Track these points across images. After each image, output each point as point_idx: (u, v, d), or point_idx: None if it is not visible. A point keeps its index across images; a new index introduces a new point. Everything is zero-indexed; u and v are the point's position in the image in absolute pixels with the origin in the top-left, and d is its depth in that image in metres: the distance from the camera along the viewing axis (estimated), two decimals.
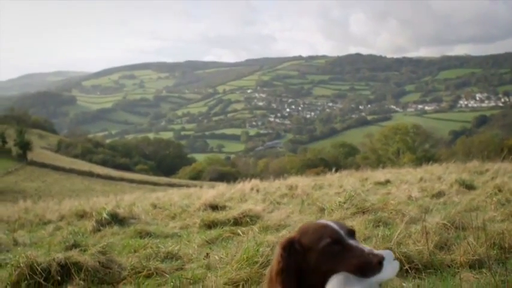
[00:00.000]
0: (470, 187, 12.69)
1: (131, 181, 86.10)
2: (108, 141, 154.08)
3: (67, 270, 5.89)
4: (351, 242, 2.37)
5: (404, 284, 4.71)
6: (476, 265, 5.29)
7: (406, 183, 15.31)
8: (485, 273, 4.89)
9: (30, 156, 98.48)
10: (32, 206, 19.60)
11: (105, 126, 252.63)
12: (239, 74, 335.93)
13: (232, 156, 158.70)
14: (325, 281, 2.32)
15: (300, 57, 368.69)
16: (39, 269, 5.80)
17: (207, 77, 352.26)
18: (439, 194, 11.73)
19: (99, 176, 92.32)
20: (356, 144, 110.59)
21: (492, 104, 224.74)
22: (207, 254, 5.86)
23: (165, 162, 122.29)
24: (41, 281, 5.69)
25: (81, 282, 5.61)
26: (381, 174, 21.28)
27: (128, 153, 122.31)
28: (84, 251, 6.64)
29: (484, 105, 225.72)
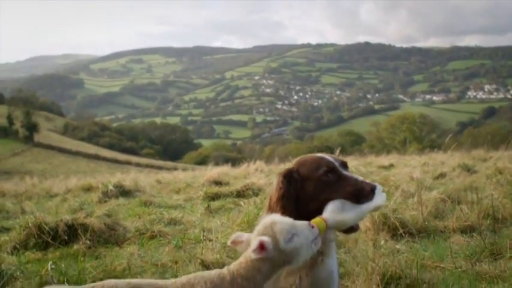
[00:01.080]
0: (472, 171, 12.75)
1: (137, 165, 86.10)
2: (114, 124, 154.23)
3: (74, 230, 6.07)
4: (345, 172, 2.62)
5: (397, 246, 4.88)
6: (468, 231, 5.47)
7: (410, 166, 15.40)
8: (476, 237, 5.06)
9: (36, 138, 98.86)
10: (39, 182, 19.87)
11: (112, 110, 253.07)
12: (247, 61, 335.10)
13: (238, 142, 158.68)
14: (321, 207, 2.56)
15: (308, 45, 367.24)
16: (47, 229, 6.01)
17: (215, 63, 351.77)
18: (441, 176, 11.85)
19: (105, 159, 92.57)
20: (363, 133, 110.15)
21: (501, 96, 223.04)
22: (208, 205, 6.02)
23: (172, 147, 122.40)
24: (49, 240, 5.89)
25: (88, 241, 5.80)
26: (385, 159, 21.35)
27: (134, 137, 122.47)
28: (91, 215, 6.83)
29: (492, 97, 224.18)
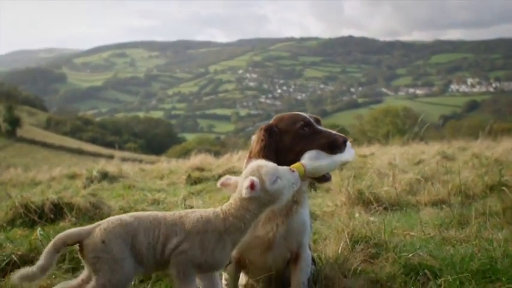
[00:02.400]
0: (450, 158, 13.06)
1: (121, 159, 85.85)
2: (97, 119, 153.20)
3: (60, 209, 6.24)
4: (319, 127, 2.96)
5: (371, 219, 5.12)
6: (438, 204, 5.73)
7: (390, 154, 15.68)
8: (446, 209, 5.32)
9: (19, 132, 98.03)
10: (23, 172, 19.89)
11: (95, 104, 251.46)
12: (231, 54, 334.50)
13: (222, 136, 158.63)
14: (297, 159, 2.90)
15: (292, 39, 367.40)
16: (33, 207, 6.17)
17: (198, 57, 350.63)
18: (420, 162, 12.15)
19: (88, 153, 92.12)
20: (346, 126, 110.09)
21: (483, 89, 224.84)
22: (189, 175, 6.19)
23: (155, 141, 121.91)
24: (35, 218, 6.05)
25: (73, 219, 5.97)
26: (366, 149, 21.64)
27: (117, 132, 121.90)
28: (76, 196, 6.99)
29: (475, 90, 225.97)
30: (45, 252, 2.36)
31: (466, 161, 10.99)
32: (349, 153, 2.96)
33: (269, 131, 3.03)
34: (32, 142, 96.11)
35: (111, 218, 2.48)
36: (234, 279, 3.16)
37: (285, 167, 2.59)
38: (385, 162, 11.46)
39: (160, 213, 2.55)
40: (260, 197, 2.47)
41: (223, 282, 3.17)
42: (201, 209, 2.59)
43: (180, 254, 2.45)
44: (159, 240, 2.45)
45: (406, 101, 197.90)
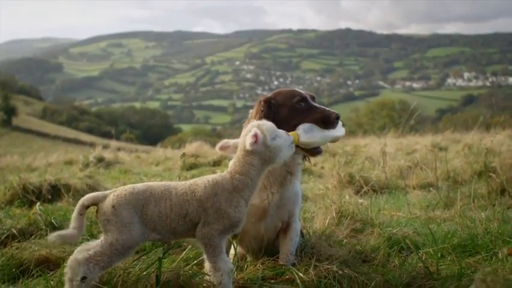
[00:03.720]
0: (443, 149, 13.17)
1: (117, 149, 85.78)
2: (94, 109, 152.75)
3: (57, 190, 6.39)
4: (314, 103, 3.24)
5: (360, 200, 5.26)
6: (426, 187, 5.88)
7: (384, 144, 15.78)
8: (433, 191, 5.47)
9: (15, 122, 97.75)
10: (19, 159, 19.95)
11: (91, 94, 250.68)
12: (228, 46, 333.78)
13: (218, 127, 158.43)
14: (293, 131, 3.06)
15: (289, 31, 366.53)
16: (31, 188, 6.31)
17: (195, 48, 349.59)
18: (413, 152, 12.26)
19: (84, 143, 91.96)
20: (342, 119, 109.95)
21: (480, 83, 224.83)
22: (184, 153, 6.27)
23: (151, 132, 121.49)
24: (33, 199, 6.18)
25: (70, 199, 6.11)
26: (361, 140, 21.76)
27: (113, 122, 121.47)
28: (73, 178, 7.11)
29: (471, 84, 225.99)
30: (72, 218, 2.57)
31: (458, 151, 11.10)
32: (341, 130, 3.18)
33: (268, 103, 3.23)
34: (28, 131, 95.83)
35: (126, 186, 2.64)
36: (227, 250, 3.28)
37: (282, 130, 2.75)
38: (377, 151, 11.60)
39: (172, 183, 2.70)
40: (261, 152, 2.63)
41: (232, 250, 3.35)
42: (209, 175, 2.74)
43: (202, 228, 2.62)
44: (173, 210, 2.59)
45: (403, 94, 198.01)
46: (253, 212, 3.13)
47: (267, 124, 2.69)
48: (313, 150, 3.11)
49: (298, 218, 3.38)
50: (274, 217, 3.23)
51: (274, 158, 2.66)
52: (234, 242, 3.32)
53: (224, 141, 2.86)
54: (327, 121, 3.10)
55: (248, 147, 2.59)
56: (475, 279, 2.39)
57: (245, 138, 2.63)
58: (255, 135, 2.57)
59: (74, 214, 2.57)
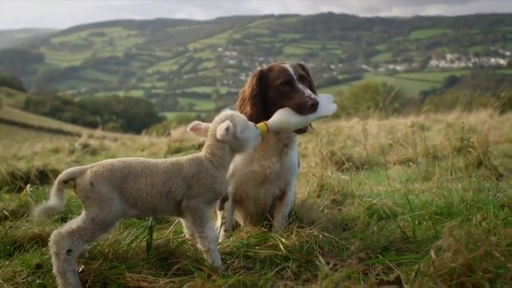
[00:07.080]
0: (425, 129, 13.33)
1: (102, 138, 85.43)
2: (77, 99, 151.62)
3: (45, 176, 6.49)
4: (299, 85, 3.26)
5: (343, 177, 5.42)
6: (406, 162, 6.05)
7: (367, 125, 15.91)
8: (413, 166, 5.64)
9: None
10: (5, 150, 19.84)
11: (74, 84, 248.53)
12: (210, 32, 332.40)
13: (203, 114, 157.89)
14: None
15: (271, 16, 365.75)
16: (19, 174, 6.40)
17: (177, 35, 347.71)
18: (394, 131, 12.41)
19: (68, 133, 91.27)
20: None
21: (462, 64, 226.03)
22: (169, 133, 6.36)
23: (135, 120, 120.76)
24: (22, 185, 6.25)
25: None
26: (345, 122, 21.92)
27: (97, 111, 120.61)
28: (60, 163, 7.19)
29: (454, 65, 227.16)
30: (51, 193, 2.63)
31: (440, 129, 11.28)
32: (326, 109, 3.27)
33: (260, 80, 3.40)
34: (12, 123, 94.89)
35: (104, 162, 2.71)
36: (231, 214, 3.56)
37: (251, 123, 2.93)
38: (360, 131, 11.75)
39: (152, 161, 2.81)
40: (230, 142, 2.79)
41: (219, 221, 3.55)
42: (189, 155, 2.90)
43: (188, 201, 2.76)
44: (155, 187, 2.70)
45: (386, 77, 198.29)
46: (254, 176, 3.42)
47: (239, 117, 2.86)
48: (297, 130, 3.27)
49: (293, 186, 3.63)
50: (273, 184, 3.48)
51: (241, 148, 2.87)
52: (219, 214, 3.50)
53: (196, 123, 2.96)
54: (300, 108, 3.17)
55: (218, 137, 2.74)
56: (443, 232, 2.55)
57: (217, 126, 2.77)
58: (227, 129, 2.70)
59: (53, 189, 2.62)
